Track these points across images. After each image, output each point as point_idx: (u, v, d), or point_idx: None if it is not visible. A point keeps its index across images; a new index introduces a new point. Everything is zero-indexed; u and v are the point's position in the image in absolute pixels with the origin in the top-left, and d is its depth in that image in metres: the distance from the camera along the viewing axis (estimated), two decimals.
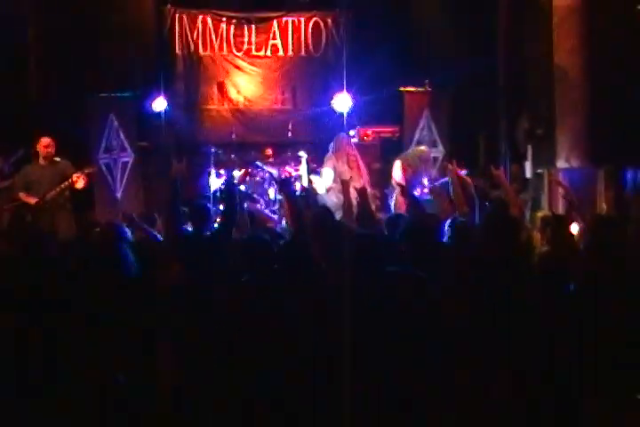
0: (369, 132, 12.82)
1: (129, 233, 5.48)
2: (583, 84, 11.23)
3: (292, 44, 14.00)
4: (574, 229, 6.13)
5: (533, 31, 12.10)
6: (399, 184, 10.51)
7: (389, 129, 12.87)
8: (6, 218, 9.98)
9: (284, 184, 6.42)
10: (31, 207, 9.72)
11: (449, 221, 6.06)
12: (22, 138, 11.30)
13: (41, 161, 10.03)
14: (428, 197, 10.04)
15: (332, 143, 11.01)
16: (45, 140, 10.03)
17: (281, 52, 13.99)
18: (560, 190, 9.23)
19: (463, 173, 9.62)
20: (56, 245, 4.53)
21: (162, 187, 11.44)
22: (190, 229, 6.09)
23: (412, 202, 6.93)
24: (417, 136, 12.40)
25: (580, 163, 11.22)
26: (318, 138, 13.14)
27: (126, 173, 12.04)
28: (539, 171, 11.81)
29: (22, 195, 9.85)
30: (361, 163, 10.94)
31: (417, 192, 10.17)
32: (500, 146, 13.10)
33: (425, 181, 10.58)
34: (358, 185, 10.99)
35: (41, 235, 4.76)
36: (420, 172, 10.62)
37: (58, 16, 12.74)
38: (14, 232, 7.26)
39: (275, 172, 11.68)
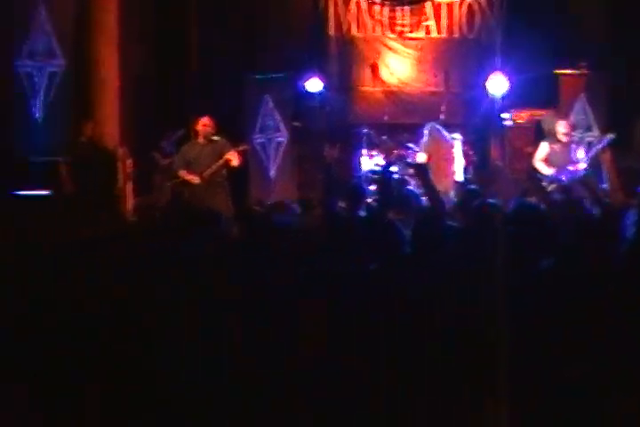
0: (523, 114, 12.63)
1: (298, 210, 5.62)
2: None
3: (446, 25, 13.89)
4: None
5: None
6: (533, 166, 10.63)
7: (544, 112, 12.63)
8: (167, 195, 10.40)
9: (419, 169, 6.33)
10: (190, 185, 10.07)
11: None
12: (183, 118, 11.73)
13: (200, 140, 10.34)
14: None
15: (425, 130, 11.51)
16: (204, 120, 10.34)
17: (434, 34, 13.89)
18: None
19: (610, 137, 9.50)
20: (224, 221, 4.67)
21: (315, 167, 11.72)
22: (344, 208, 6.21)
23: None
24: (572, 120, 12.20)
25: None
26: (472, 121, 13.09)
27: (280, 152, 12.32)
28: None
29: (182, 173, 10.20)
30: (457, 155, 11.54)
31: (572, 167, 10.32)
32: None
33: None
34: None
35: (211, 210, 4.90)
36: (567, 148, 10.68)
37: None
38: (175, 208, 7.54)
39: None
